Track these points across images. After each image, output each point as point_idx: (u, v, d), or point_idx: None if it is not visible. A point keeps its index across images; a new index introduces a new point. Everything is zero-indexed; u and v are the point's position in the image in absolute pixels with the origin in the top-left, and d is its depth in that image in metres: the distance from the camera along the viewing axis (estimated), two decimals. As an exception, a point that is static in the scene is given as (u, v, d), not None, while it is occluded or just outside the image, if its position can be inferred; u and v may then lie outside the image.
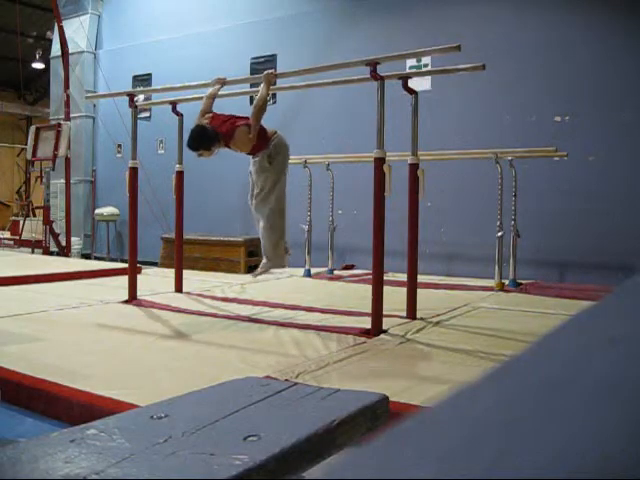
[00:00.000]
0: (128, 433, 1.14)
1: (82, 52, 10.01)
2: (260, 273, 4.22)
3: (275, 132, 4.03)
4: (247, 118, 3.89)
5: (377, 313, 3.36)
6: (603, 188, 5.89)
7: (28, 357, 2.76)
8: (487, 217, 5.81)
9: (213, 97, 4.14)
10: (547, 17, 6.21)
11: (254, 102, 3.98)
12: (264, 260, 4.11)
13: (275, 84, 4.87)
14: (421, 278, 4.16)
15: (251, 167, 4.06)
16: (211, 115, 4.01)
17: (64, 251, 8.84)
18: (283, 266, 4.31)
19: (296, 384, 1.58)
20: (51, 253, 8.71)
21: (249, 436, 1.12)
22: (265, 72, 4.02)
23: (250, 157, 4.04)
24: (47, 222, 8.67)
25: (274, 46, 7.98)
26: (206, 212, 8.25)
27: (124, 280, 4.59)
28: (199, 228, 7.49)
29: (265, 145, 3.94)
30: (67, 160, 8.95)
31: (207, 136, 3.90)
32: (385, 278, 3.65)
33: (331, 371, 2.58)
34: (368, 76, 3.52)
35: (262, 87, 3.92)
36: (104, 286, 5.24)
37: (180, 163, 4.87)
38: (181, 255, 4.92)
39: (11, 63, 13.66)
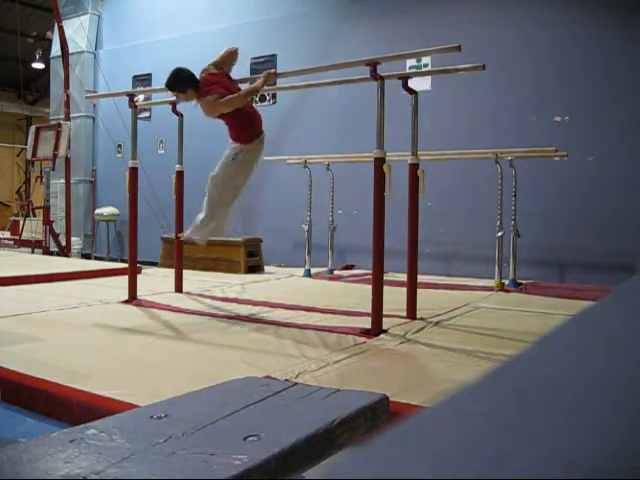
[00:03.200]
0: (128, 433, 1.14)
1: (82, 52, 10.01)
2: (185, 238, 4.32)
3: (263, 133, 4.03)
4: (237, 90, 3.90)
5: (377, 313, 3.36)
6: (603, 188, 5.88)
7: (28, 357, 2.75)
8: (487, 217, 5.81)
9: (224, 56, 4.09)
10: (547, 17, 6.21)
11: (245, 88, 3.97)
12: (193, 227, 4.15)
13: (275, 84, 4.86)
14: (421, 278, 4.15)
15: (226, 151, 4.07)
16: (215, 67, 3.98)
17: (64, 251, 8.83)
18: (202, 243, 4.29)
19: (296, 384, 1.58)
20: (51, 253, 8.70)
21: (249, 436, 1.12)
22: (266, 71, 4.01)
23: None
24: (47, 222, 8.67)
25: (274, 46, 7.98)
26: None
27: (124, 280, 4.59)
28: (199, 228, 7.48)
29: (248, 136, 3.93)
30: (67, 160, 8.95)
31: (182, 77, 3.86)
32: (385, 278, 3.64)
33: (331, 371, 2.58)
34: (368, 76, 3.51)
35: (259, 81, 3.90)
36: (104, 286, 5.24)
37: (180, 163, 4.86)
38: (181, 255, 4.92)
39: (11, 63, 13.66)
